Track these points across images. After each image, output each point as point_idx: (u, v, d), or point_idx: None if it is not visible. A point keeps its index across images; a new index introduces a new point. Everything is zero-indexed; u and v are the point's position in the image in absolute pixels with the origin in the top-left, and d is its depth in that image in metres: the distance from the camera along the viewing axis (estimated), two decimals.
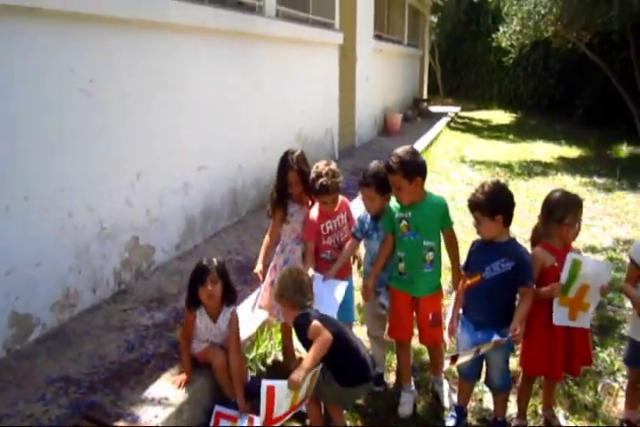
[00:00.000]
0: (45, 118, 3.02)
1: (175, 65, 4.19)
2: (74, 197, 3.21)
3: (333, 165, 2.91)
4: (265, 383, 2.25)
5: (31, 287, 2.96)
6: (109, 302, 3.51)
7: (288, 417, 2.41)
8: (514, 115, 17.17)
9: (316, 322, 2.36)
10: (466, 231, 4.23)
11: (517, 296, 2.53)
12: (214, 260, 2.71)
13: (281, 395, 2.25)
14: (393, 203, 2.79)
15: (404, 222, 2.71)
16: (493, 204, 2.46)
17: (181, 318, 3.31)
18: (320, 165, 2.88)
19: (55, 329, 3.12)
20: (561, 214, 2.51)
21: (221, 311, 2.76)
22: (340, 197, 3.01)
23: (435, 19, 19.08)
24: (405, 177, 2.61)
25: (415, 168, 2.63)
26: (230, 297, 2.78)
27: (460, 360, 2.49)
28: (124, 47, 3.60)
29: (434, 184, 7.11)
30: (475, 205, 2.49)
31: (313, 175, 2.86)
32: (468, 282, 2.59)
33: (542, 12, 10.38)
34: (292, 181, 2.94)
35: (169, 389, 2.61)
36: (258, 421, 2.53)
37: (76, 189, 3.22)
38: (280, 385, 2.24)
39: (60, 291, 3.17)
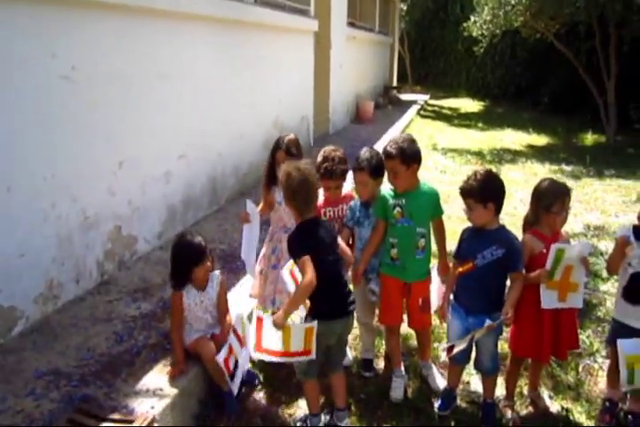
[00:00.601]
0: (27, 107, 2.91)
1: (159, 53, 4.09)
2: (57, 187, 3.12)
3: (340, 152, 2.93)
4: (255, 314, 2.44)
5: (15, 279, 2.88)
6: (93, 293, 3.43)
7: (279, 360, 2.44)
8: (482, 103, 17.41)
9: (305, 257, 2.31)
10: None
11: (507, 282, 2.60)
12: (197, 236, 2.68)
13: (268, 329, 2.36)
14: (385, 190, 2.81)
15: (397, 209, 2.74)
16: (486, 191, 2.50)
17: (169, 308, 3.26)
18: (327, 150, 2.91)
19: (39, 322, 3.05)
20: (548, 202, 2.58)
21: (208, 279, 2.76)
22: (348, 190, 3.03)
23: (404, 6, 19.07)
24: (403, 163, 2.64)
25: (412, 154, 2.67)
26: (212, 264, 2.78)
27: (456, 350, 2.55)
28: (108, 33, 3.49)
29: None
30: (468, 193, 2.53)
31: (319, 159, 2.88)
32: (460, 269, 2.63)
33: (512, 1, 10.49)
34: (280, 160, 2.93)
35: (163, 380, 2.58)
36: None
37: (60, 179, 3.12)
38: (267, 319, 2.37)
39: (44, 282, 3.09)
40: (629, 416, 2.69)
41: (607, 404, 2.75)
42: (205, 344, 2.72)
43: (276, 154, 2.99)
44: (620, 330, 2.64)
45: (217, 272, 2.81)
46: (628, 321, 2.61)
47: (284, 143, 2.99)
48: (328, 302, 2.44)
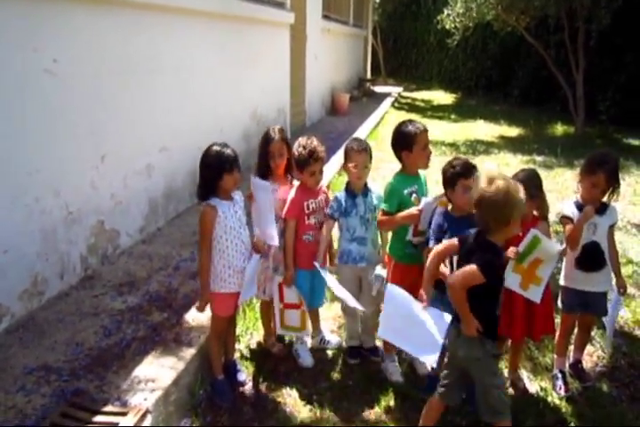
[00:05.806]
0: (8, 101, 2.87)
1: (141, 47, 4.07)
2: (41, 182, 3.10)
3: (315, 140, 2.95)
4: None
5: (0, 275, 2.85)
6: (78, 288, 3.42)
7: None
8: (454, 95, 17.60)
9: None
10: None
11: None
12: (229, 147, 2.58)
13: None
14: (395, 181, 2.86)
15: (414, 196, 2.84)
16: None
17: (155, 301, 3.31)
18: (302, 140, 2.92)
19: (25, 318, 3.03)
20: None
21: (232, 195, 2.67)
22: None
23: None
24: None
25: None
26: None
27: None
28: (91, 27, 3.46)
29: (384, 163, 7.25)
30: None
31: (299, 149, 2.88)
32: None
33: None
34: (276, 151, 2.90)
35: (154, 372, 2.61)
36: None
37: (44, 173, 3.10)
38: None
39: (28, 278, 3.07)
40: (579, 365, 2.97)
41: (559, 375, 2.92)
42: (222, 319, 2.68)
43: (269, 147, 2.90)
44: (570, 294, 2.90)
45: (239, 192, 2.70)
46: (579, 286, 2.86)
47: (276, 133, 2.92)
48: None
